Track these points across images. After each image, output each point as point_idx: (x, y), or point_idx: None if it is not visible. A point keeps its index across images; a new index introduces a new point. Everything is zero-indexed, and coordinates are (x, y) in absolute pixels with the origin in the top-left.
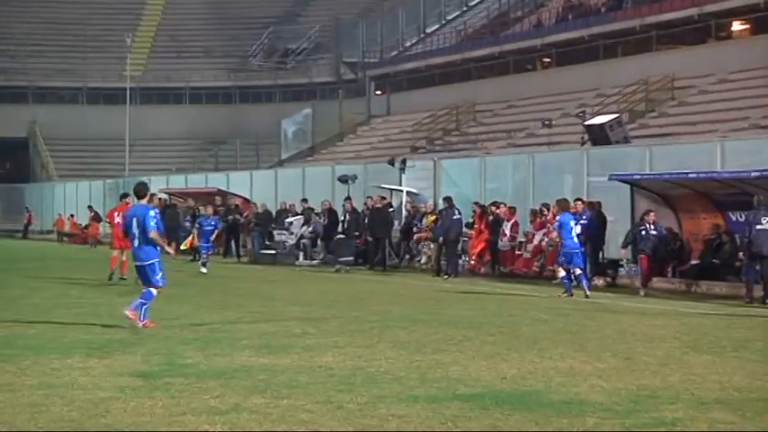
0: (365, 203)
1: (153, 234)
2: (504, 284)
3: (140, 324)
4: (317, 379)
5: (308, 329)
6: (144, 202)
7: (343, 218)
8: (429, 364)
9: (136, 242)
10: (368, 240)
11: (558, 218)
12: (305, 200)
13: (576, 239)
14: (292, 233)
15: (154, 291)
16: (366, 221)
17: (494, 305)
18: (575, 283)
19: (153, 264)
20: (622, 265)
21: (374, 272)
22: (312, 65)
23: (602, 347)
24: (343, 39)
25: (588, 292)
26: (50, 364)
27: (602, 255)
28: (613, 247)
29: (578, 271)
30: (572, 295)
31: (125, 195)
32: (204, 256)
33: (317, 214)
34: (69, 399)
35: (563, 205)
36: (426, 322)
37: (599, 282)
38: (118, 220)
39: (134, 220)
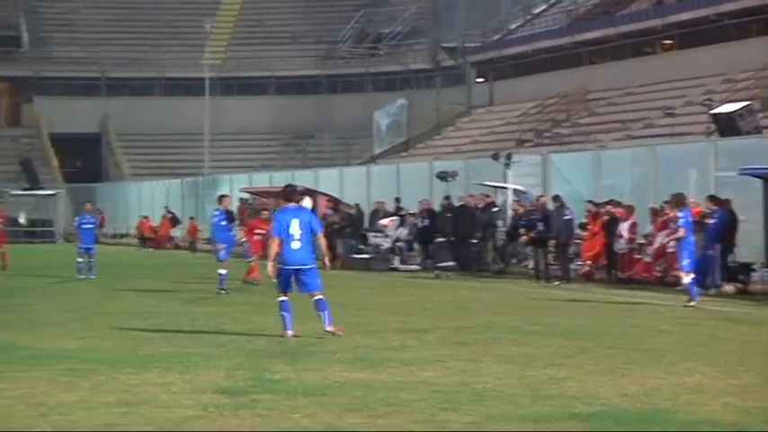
0: (442, 203)
1: (321, 236)
2: (621, 291)
3: (331, 328)
4: (419, 396)
5: (408, 341)
6: (297, 204)
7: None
8: (541, 380)
9: (295, 244)
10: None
11: (680, 214)
12: (398, 199)
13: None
14: (387, 236)
15: (322, 296)
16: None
17: (611, 314)
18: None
19: (315, 267)
20: (755, 269)
21: (476, 278)
22: (407, 51)
23: (735, 361)
24: (441, 21)
25: (695, 301)
26: (128, 379)
27: (733, 258)
28: (745, 249)
29: (692, 275)
30: (700, 302)
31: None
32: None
33: (411, 215)
34: (149, 418)
35: (682, 200)
36: (537, 333)
37: (729, 288)
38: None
39: (294, 222)
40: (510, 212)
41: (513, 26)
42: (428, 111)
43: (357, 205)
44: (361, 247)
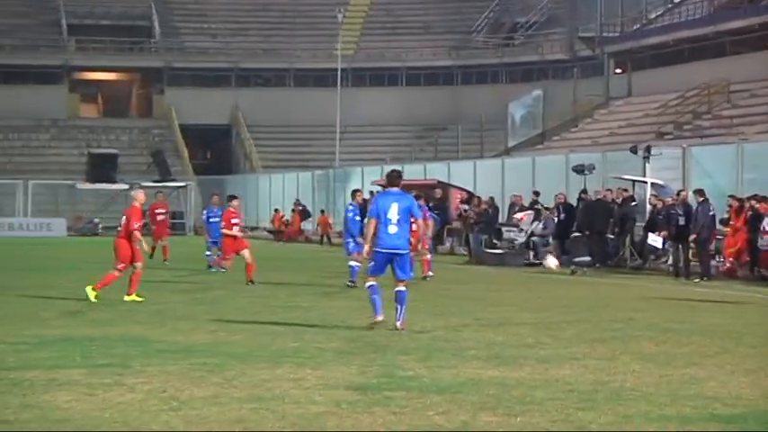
0: (579, 197)
1: (421, 223)
2: (764, 289)
3: (401, 327)
4: (555, 395)
5: (542, 338)
6: (398, 189)
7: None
8: (681, 380)
9: (392, 228)
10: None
11: None
12: (536, 192)
13: None
14: (522, 230)
15: (405, 288)
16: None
17: (754, 313)
18: None
19: (408, 254)
20: None
21: (613, 274)
22: (543, 41)
23: None
24: (579, 10)
25: None
26: (259, 374)
27: None
28: None
29: None
30: None
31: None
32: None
33: (546, 209)
34: (281, 413)
35: None
36: (676, 331)
37: None
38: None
39: (394, 206)
40: (648, 207)
41: (653, 15)
42: (564, 102)
43: (492, 199)
44: (496, 242)
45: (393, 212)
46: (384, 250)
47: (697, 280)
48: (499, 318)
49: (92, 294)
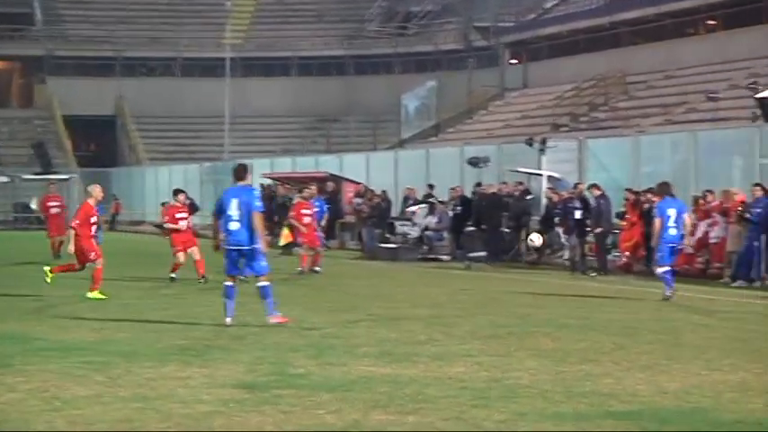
0: (473, 190)
1: (258, 217)
2: (661, 284)
3: (273, 320)
4: (448, 392)
5: (436, 335)
6: (243, 183)
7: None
8: (576, 377)
9: (235, 225)
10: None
11: (656, 204)
12: (430, 186)
13: (674, 231)
14: (415, 224)
15: (266, 282)
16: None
17: (650, 308)
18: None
19: (258, 248)
20: None
21: (509, 269)
22: (437, 30)
23: None
24: (474, 0)
25: (669, 293)
26: (144, 373)
27: None
28: None
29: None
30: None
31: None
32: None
33: (441, 202)
34: (166, 413)
35: (663, 190)
36: (572, 327)
37: None
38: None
39: (234, 202)
40: (544, 201)
41: (549, 5)
42: (459, 93)
43: (384, 192)
44: (388, 236)
45: (233, 208)
46: (231, 247)
47: (594, 275)
48: (392, 314)
49: (93, 294)
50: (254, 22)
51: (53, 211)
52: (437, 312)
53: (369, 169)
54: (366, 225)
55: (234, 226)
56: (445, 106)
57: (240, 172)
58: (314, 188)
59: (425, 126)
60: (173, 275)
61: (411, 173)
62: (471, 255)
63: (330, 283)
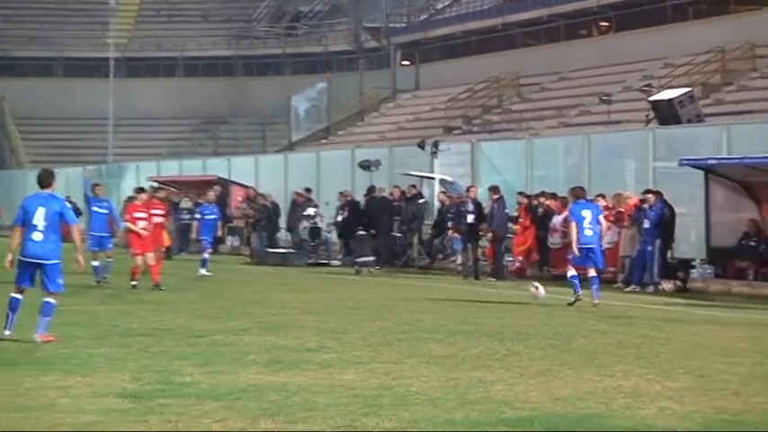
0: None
1: (76, 229)
2: (554, 289)
3: (41, 339)
4: (338, 400)
5: (326, 342)
6: (50, 191)
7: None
8: (468, 383)
9: (38, 236)
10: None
11: (569, 208)
12: (308, 189)
13: (590, 232)
14: (308, 228)
15: (55, 300)
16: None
17: (543, 314)
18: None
19: (59, 264)
20: (694, 266)
21: (400, 274)
22: (327, 31)
23: (673, 363)
24: (364, 0)
25: (597, 300)
26: (24, 382)
27: (671, 254)
28: (684, 245)
29: (593, 272)
30: (580, 299)
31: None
32: (207, 253)
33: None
34: (49, 423)
35: (576, 193)
36: (464, 334)
37: (667, 285)
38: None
39: (40, 211)
40: (437, 204)
41: (441, 6)
42: (350, 95)
43: (269, 195)
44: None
45: (39, 218)
46: (27, 259)
47: (491, 280)
48: (281, 320)
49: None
50: (139, 21)
51: None
52: (327, 319)
53: (258, 172)
54: (254, 230)
55: (37, 237)
56: (336, 108)
57: (45, 178)
58: (211, 194)
59: (316, 128)
60: (133, 283)
61: (301, 176)
62: (360, 260)
63: (218, 289)
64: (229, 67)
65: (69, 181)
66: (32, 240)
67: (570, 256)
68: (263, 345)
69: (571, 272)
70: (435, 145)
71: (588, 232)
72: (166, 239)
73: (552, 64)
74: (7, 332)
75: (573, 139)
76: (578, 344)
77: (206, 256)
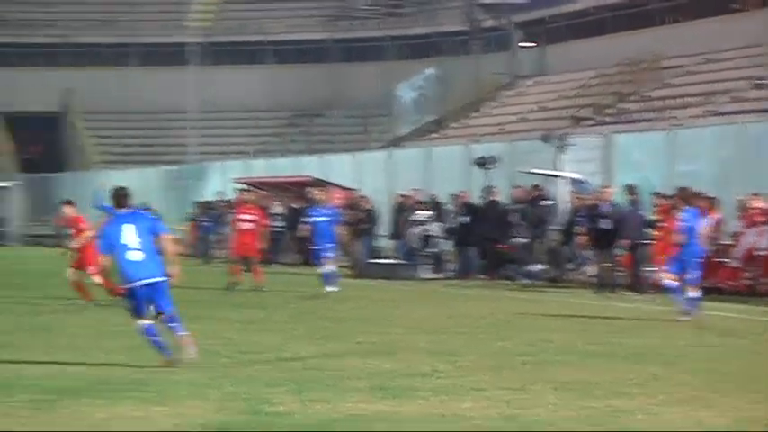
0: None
1: (170, 239)
2: (702, 303)
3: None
4: None
5: (438, 365)
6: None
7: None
8: (604, 412)
9: (136, 255)
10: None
11: (682, 215)
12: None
13: (699, 244)
14: (416, 236)
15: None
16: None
17: (690, 332)
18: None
19: (167, 281)
20: None
21: (523, 287)
22: (437, 9)
23: None
24: None
25: (688, 313)
26: (96, 412)
27: None
28: None
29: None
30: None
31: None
32: (327, 265)
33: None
34: None
35: (687, 197)
36: (598, 356)
37: None
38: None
39: (129, 229)
40: (565, 206)
41: None
42: (464, 83)
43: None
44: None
45: (130, 237)
46: (136, 283)
47: (628, 293)
48: (386, 341)
49: None
50: (224, 2)
51: None
52: (439, 339)
53: (360, 172)
54: (357, 238)
55: (136, 256)
56: (447, 98)
57: (124, 198)
58: (321, 193)
59: (424, 121)
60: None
61: (407, 175)
62: (530, 269)
63: (313, 306)
64: (325, 52)
65: (148, 183)
66: (132, 261)
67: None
68: (366, 369)
69: (670, 282)
70: (562, 139)
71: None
72: (257, 247)
73: (698, 44)
74: (168, 356)
75: (723, 130)
76: (732, 367)
77: (328, 268)
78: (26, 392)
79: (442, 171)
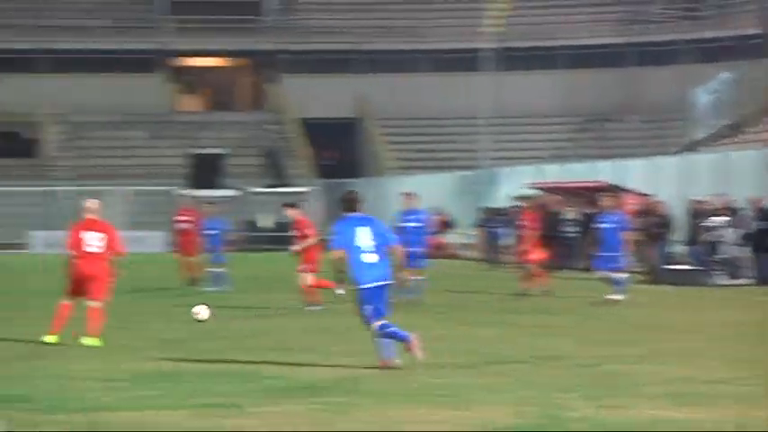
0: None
1: (399, 248)
2: None
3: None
4: None
5: (740, 373)
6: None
7: None
8: None
9: (371, 258)
10: None
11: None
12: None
13: None
14: (711, 242)
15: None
16: None
17: None
18: None
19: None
20: None
21: None
22: (734, 12)
23: None
24: None
25: None
26: (393, 416)
27: None
28: None
29: None
30: None
31: None
32: (614, 273)
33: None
34: None
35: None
36: None
37: None
38: None
39: (364, 231)
40: None
41: None
42: (760, 87)
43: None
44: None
45: (365, 239)
46: (370, 284)
47: None
48: (682, 347)
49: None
50: (518, 6)
51: (182, 226)
52: (736, 346)
53: (656, 177)
54: (654, 243)
55: (371, 258)
56: (743, 102)
57: (356, 201)
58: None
59: (720, 125)
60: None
61: (702, 181)
62: None
63: (605, 311)
64: (619, 56)
65: (444, 188)
66: (368, 264)
67: None
68: (661, 375)
69: None
70: None
71: None
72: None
73: None
74: (397, 360)
75: None
76: None
77: (616, 276)
78: (325, 395)
79: (739, 176)
